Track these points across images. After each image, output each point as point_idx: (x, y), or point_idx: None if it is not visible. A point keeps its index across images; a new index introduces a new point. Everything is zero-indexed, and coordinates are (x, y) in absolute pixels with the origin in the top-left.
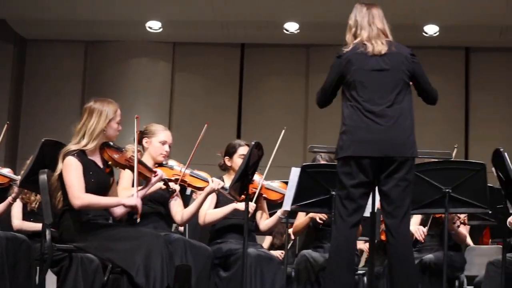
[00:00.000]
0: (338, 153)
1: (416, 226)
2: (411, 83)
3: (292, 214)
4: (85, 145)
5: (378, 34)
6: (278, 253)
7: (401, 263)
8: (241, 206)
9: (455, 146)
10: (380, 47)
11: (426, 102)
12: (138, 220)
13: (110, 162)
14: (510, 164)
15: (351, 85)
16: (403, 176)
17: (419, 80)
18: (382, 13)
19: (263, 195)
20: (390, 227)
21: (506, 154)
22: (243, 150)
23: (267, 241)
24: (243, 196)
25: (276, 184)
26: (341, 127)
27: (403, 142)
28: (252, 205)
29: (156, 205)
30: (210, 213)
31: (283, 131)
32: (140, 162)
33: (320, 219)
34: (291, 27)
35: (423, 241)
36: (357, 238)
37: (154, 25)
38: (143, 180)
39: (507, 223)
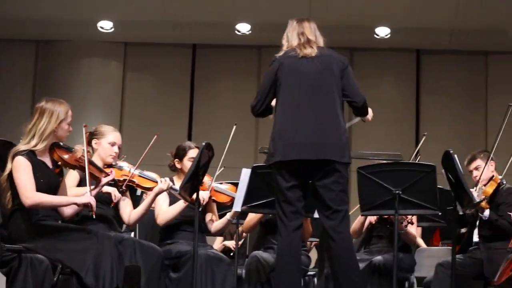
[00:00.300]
0: (269, 159)
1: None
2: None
3: (242, 215)
4: (35, 145)
5: (308, 41)
6: (231, 243)
7: (343, 264)
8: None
9: (424, 134)
10: (309, 50)
11: (353, 106)
12: (94, 216)
13: (59, 163)
14: (459, 166)
15: (283, 88)
16: (336, 179)
17: (348, 81)
18: (314, 26)
19: (212, 198)
20: (329, 230)
21: (455, 156)
22: (193, 153)
23: (217, 241)
24: (193, 197)
25: (225, 186)
26: (272, 131)
27: (334, 145)
28: (206, 194)
29: (106, 206)
30: (165, 211)
31: (234, 126)
32: (90, 162)
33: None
34: (243, 28)
35: (374, 222)
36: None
37: (105, 25)
38: (93, 180)
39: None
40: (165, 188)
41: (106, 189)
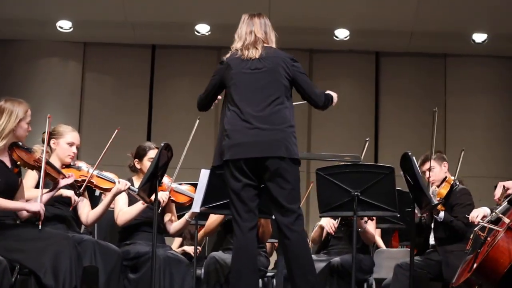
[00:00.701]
0: (219, 157)
1: (327, 219)
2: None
3: (202, 216)
4: None
5: (255, 41)
6: (191, 249)
7: (299, 264)
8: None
9: (366, 139)
10: (252, 52)
11: (314, 106)
12: (40, 227)
13: (18, 162)
14: (418, 168)
15: (230, 89)
16: (286, 177)
17: (302, 84)
18: (265, 22)
19: (171, 198)
20: (284, 228)
21: (414, 158)
22: (152, 153)
23: (176, 242)
24: (152, 198)
25: (184, 187)
26: (219, 131)
27: (280, 143)
28: (165, 194)
29: (64, 207)
30: (124, 212)
31: (198, 120)
32: (48, 163)
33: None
34: (202, 29)
35: (333, 233)
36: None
37: (64, 25)
38: (50, 181)
39: (469, 218)
40: (123, 189)
41: (66, 193)
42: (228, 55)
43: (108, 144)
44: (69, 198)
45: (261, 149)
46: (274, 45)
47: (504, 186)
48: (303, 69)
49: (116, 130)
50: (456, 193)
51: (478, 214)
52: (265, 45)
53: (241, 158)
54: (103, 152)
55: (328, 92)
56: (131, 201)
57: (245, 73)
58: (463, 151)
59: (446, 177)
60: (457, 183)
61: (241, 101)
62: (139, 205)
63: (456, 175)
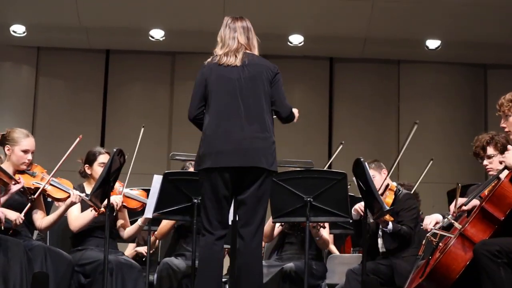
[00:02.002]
0: (198, 164)
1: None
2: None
3: (155, 221)
4: None
5: (237, 48)
6: (143, 249)
7: (249, 271)
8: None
9: (341, 142)
10: (232, 60)
11: (278, 117)
12: (2, 228)
13: None
14: (370, 173)
15: (211, 95)
16: (259, 187)
17: (274, 93)
18: (247, 26)
19: (123, 203)
20: (244, 236)
21: (366, 163)
22: (103, 158)
23: (129, 248)
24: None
25: (135, 192)
26: (201, 137)
27: (261, 153)
28: (119, 198)
29: (16, 212)
30: (78, 217)
31: (142, 129)
32: (1, 169)
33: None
34: (157, 34)
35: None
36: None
37: (18, 29)
38: (2, 186)
39: (352, 211)
40: (77, 201)
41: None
42: (209, 60)
43: (68, 152)
44: (21, 205)
45: (244, 158)
46: (256, 51)
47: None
48: (281, 79)
49: (78, 139)
50: (400, 199)
51: (431, 221)
52: (247, 51)
53: (225, 167)
54: (62, 160)
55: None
56: (84, 207)
57: (228, 81)
58: (431, 160)
59: (388, 184)
60: (400, 189)
61: (223, 109)
62: (92, 212)
63: (419, 182)
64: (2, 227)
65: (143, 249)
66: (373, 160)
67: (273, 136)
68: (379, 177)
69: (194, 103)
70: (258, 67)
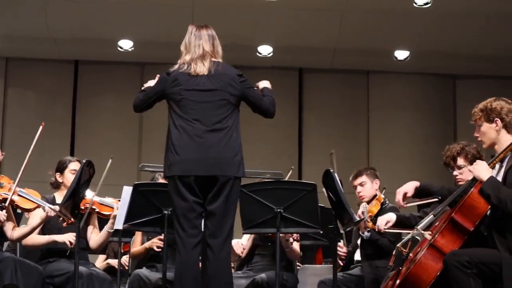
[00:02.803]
0: (165, 172)
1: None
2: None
3: (125, 233)
4: None
5: (204, 55)
6: (115, 262)
7: (218, 282)
8: (60, 239)
9: (291, 167)
10: (200, 68)
11: (264, 117)
12: None
13: None
14: (340, 184)
15: (178, 104)
16: (227, 195)
17: (250, 99)
18: (212, 34)
19: (96, 209)
20: (213, 247)
21: (336, 174)
22: (74, 165)
23: (100, 260)
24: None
25: (108, 199)
26: (167, 145)
27: (228, 162)
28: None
29: None
30: (33, 237)
31: (110, 160)
32: None
33: (158, 247)
34: (125, 44)
35: (241, 254)
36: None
37: None
38: None
39: (376, 227)
40: (52, 215)
41: None
42: (175, 67)
43: (31, 148)
44: None
45: (211, 167)
46: (220, 58)
47: (403, 192)
48: (249, 83)
49: (41, 127)
50: (386, 211)
51: (382, 221)
52: (213, 59)
53: (192, 175)
54: (24, 165)
55: (265, 90)
56: (49, 223)
57: (194, 91)
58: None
59: (376, 194)
60: (387, 202)
61: (190, 119)
62: (49, 239)
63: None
64: None
65: (114, 262)
66: (369, 168)
67: (240, 144)
68: (370, 185)
69: (147, 101)
70: (224, 77)
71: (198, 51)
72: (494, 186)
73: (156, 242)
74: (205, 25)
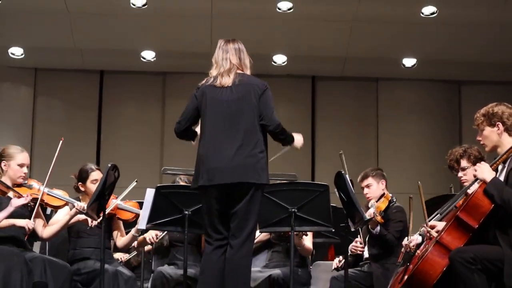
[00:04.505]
0: (194, 182)
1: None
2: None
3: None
4: None
5: (230, 69)
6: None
7: (235, 278)
8: (19, 223)
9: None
10: (226, 80)
11: (265, 128)
12: None
13: None
14: (351, 185)
15: (204, 117)
16: (248, 200)
17: (261, 106)
18: (239, 47)
19: (117, 216)
20: (233, 246)
21: (347, 176)
22: (95, 175)
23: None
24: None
25: (128, 204)
26: (196, 157)
27: (249, 169)
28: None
29: (19, 229)
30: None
31: (135, 183)
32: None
33: (151, 241)
34: (148, 55)
35: None
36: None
37: (16, 51)
38: (2, 197)
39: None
40: (82, 210)
41: (19, 223)
42: (203, 81)
43: (55, 158)
44: (21, 216)
45: (231, 175)
46: (248, 71)
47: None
48: (269, 94)
49: (61, 142)
50: (392, 209)
51: (412, 241)
52: (239, 71)
53: (217, 184)
54: (50, 169)
55: (293, 133)
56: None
57: (219, 102)
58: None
59: (384, 193)
60: (394, 200)
61: (214, 129)
62: (66, 218)
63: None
64: None
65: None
66: (375, 169)
67: (263, 151)
68: (376, 186)
69: (183, 120)
70: (247, 86)
71: (225, 64)
72: (498, 187)
73: (151, 237)
74: (233, 39)
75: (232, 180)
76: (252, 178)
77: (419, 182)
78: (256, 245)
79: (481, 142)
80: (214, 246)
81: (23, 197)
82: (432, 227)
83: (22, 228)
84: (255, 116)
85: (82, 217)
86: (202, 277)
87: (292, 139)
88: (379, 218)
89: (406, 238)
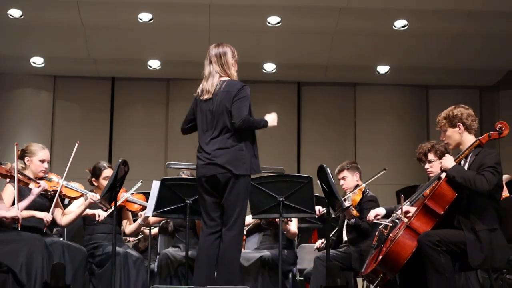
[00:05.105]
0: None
1: None
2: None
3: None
4: None
5: (212, 84)
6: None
7: (224, 259)
8: (39, 215)
9: (384, 169)
10: (207, 95)
11: (233, 126)
12: (19, 228)
13: None
14: (331, 177)
15: (197, 122)
16: (230, 190)
17: (232, 106)
18: (222, 51)
19: (126, 207)
20: (224, 232)
21: (328, 169)
22: (107, 172)
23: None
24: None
25: (136, 197)
26: None
27: (226, 162)
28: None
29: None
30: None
31: (140, 183)
32: (20, 173)
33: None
34: (154, 64)
35: None
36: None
37: (37, 61)
38: (23, 186)
39: (367, 217)
40: (95, 200)
41: (39, 215)
42: (198, 90)
43: (71, 157)
44: (42, 206)
45: (212, 168)
46: (232, 70)
47: (375, 214)
48: (244, 94)
49: (76, 144)
50: (366, 198)
51: (372, 213)
52: (222, 78)
53: (203, 176)
54: (68, 165)
55: (266, 115)
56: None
57: (202, 111)
58: (384, 170)
59: (358, 184)
60: (367, 190)
61: (201, 134)
62: (79, 210)
63: (367, 183)
64: (19, 227)
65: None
66: (350, 162)
67: (239, 146)
68: (350, 178)
69: (184, 123)
70: (223, 93)
71: (208, 71)
72: (459, 170)
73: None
74: (219, 43)
75: (210, 173)
76: (227, 170)
77: (402, 195)
78: (250, 228)
79: (445, 141)
80: (208, 232)
81: (42, 185)
82: (407, 212)
83: (41, 219)
84: (229, 117)
85: (90, 211)
86: (198, 257)
87: (265, 123)
88: (354, 212)
89: (372, 211)
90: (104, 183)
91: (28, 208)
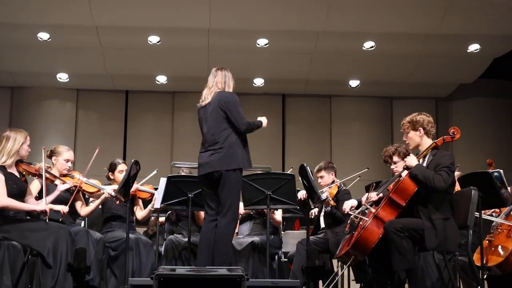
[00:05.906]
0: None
1: None
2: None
3: (161, 211)
4: (4, 162)
5: (211, 89)
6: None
7: (218, 242)
8: (55, 208)
9: (367, 167)
10: (206, 101)
11: (238, 131)
12: (47, 220)
13: (24, 173)
14: (311, 174)
15: (199, 124)
16: (221, 186)
17: (229, 114)
18: (225, 74)
19: (138, 196)
20: (218, 220)
21: (308, 168)
22: (121, 167)
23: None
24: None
25: (146, 187)
26: None
27: (216, 161)
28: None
29: (63, 205)
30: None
31: (155, 171)
32: (47, 171)
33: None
34: (161, 79)
35: None
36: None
37: (62, 76)
38: (50, 183)
39: (342, 208)
40: (112, 194)
41: (56, 207)
42: (200, 100)
43: (92, 159)
44: (65, 199)
45: (205, 168)
46: (230, 89)
47: (350, 205)
48: (232, 102)
49: (97, 150)
50: (342, 192)
51: (348, 205)
52: (218, 90)
53: (199, 175)
54: (88, 166)
55: (259, 118)
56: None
57: (201, 118)
58: (368, 168)
59: (334, 181)
60: (342, 186)
61: (202, 136)
62: (98, 202)
63: (342, 181)
64: (47, 219)
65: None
66: (327, 163)
67: (229, 145)
68: (327, 177)
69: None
70: (215, 102)
71: (211, 85)
72: (421, 169)
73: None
74: (221, 67)
75: (206, 171)
76: (218, 167)
77: (373, 184)
78: (242, 216)
79: (406, 142)
80: (208, 220)
81: (67, 183)
82: (369, 199)
83: (58, 212)
84: (220, 122)
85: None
86: (201, 241)
87: (260, 124)
88: (332, 202)
89: (346, 203)
90: (118, 176)
91: (52, 201)
